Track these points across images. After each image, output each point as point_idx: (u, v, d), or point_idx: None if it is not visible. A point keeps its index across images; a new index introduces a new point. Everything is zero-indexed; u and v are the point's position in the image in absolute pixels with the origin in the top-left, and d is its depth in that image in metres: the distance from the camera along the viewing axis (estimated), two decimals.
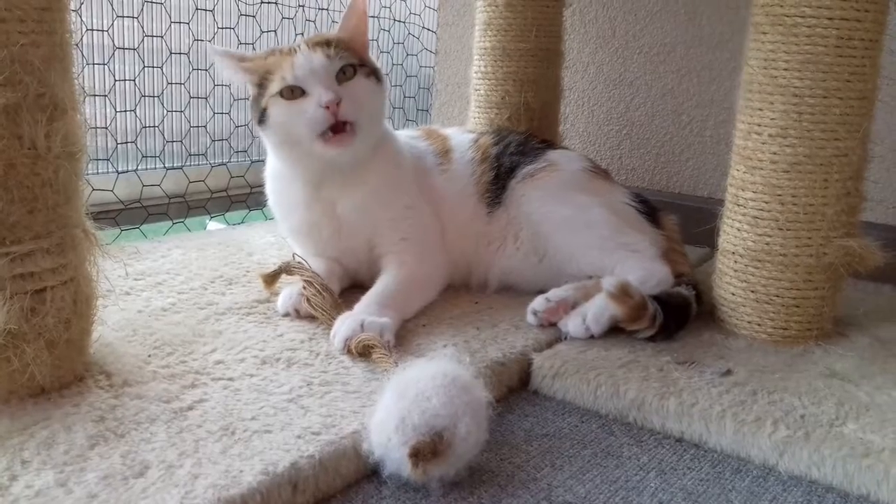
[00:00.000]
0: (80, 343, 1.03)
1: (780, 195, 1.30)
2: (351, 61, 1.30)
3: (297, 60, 1.27)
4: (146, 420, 0.93)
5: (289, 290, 1.32)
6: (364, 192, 1.38)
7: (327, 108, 1.25)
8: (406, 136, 1.55)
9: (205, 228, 2.16)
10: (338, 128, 1.27)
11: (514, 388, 1.18)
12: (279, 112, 1.29)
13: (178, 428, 0.92)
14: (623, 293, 1.25)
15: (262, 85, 1.31)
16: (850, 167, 1.29)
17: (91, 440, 0.88)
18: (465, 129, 1.68)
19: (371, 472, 0.92)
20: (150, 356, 1.11)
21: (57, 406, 0.96)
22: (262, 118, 1.32)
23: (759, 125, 1.30)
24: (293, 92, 1.27)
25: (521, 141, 1.57)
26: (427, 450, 0.85)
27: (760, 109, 1.30)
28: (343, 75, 1.29)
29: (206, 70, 2.05)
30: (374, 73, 1.34)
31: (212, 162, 2.11)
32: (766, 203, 1.31)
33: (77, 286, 1.00)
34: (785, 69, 1.27)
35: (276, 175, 1.43)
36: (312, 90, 1.27)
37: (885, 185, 1.81)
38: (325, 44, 1.30)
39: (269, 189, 1.45)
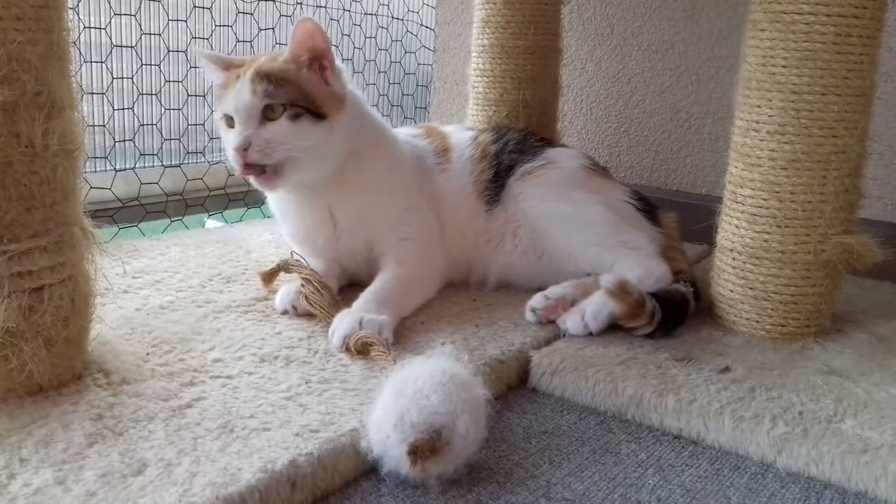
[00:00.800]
0: (79, 341, 1.03)
1: (778, 192, 1.30)
2: (280, 100, 1.25)
3: (233, 93, 1.26)
4: (144, 418, 0.93)
5: (287, 288, 1.32)
6: (360, 197, 1.37)
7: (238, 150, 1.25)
8: (406, 134, 1.55)
9: (203, 226, 2.16)
10: (258, 169, 1.26)
11: (513, 385, 1.18)
12: (222, 135, 1.32)
13: (176, 426, 0.92)
14: (621, 290, 1.25)
15: (219, 96, 1.32)
16: (849, 164, 1.29)
17: (89, 438, 0.88)
18: (465, 127, 1.68)
19: (370, 470, 0.92)
20: (148, 354, 1.11)
21: (55, 404, 0.95)
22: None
23: (758, 122, 1.30)
24: (229, 120, 1.28)
25: (520, 139, 1.57)
26: (426, 447, 0.85)
27: (759, 106, 1.30)
28: (271, 112, 1.25)
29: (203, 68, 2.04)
30: (308, 112, 1.26)
31: (210, 160, 2.11)
32: (765, 200, 1.31)
33: (75, 284, 1.00)
34: (783, 66, 1.27)
35: None
36: (237, 126, 1.26)
37: (884, 182, 1.81)
38: (260, 77, 1.25)
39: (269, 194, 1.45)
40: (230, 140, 1.26)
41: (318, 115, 1.28)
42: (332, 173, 1.34)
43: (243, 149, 1.23)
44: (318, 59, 1.29)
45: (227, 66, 1.33)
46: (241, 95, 1.25)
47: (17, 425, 0.90)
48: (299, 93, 1.27)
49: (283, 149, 1.25)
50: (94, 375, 1.03)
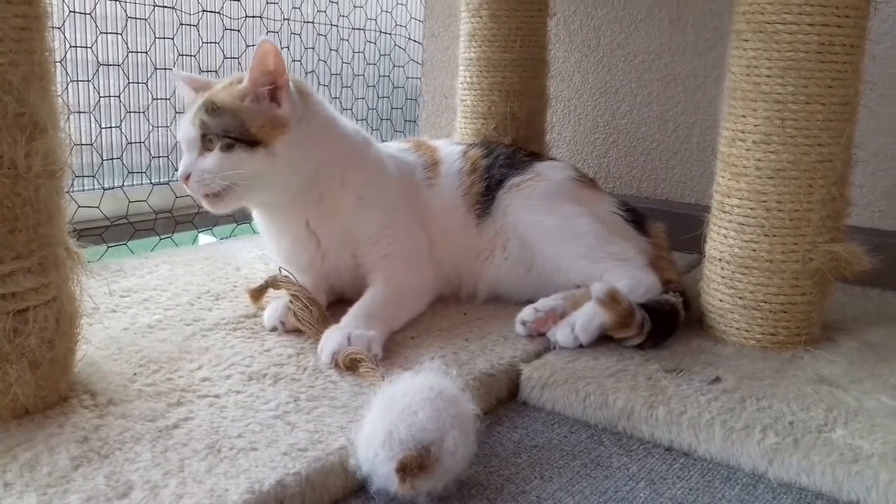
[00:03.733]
0: (64, 363, 1.02)
1: (765, 201, 1.30)
2: (214, 130, 1.26)
3: (181, 123, 1.31)
4: (131, 440, 0.92)
5: (275, 304, 1.31)
6: (340, 215, 1.37)
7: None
8: (395, 148, 1.55)
9: (194, 242, 2.15)
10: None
11: (503, 399, 1.18)
12: None
13: (163, 447, 0.91)
14: (611, 299, 1.25)
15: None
16: (835, 172, 1.30)
17: (75, 461, 0.87)
18: (454, 141, 1.68)
19: (358, 488, 0.91)
20: (135, 374, 1.10)
21: (41, 427, 0.95)
22: None
23: (743, 132, 1.31)
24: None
25: (510, 153, 1.57)
26: (414, 464, 0.85)
27: (744, 116, 1.30)
28: (209, 142, 1.27)
29: None
30: (240, 141, 1.26)
31: None
32: (752, 209, 1.31)
33: (60, 305, 0.99)
34: (767, 76, 1.27)
35: None
36: (183, 153, 1.31)
37: (870, 190, 1.82)
38: (204, 107, 1.28)
39: (254, 212, 1.45)
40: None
41: (252, 143, 1.28)
42: (292, 193, 1.34)
43: (185, 178, 1.28)
44: (273, 81, 1.29)
45: (197, 89, 1.36)
46: (184, 125, 1.30)
47: (1, 448, 0.89)
48: (234, 122, 1.27)
49: (219, 178, 1.27)
50: (81, 397, 1.03)
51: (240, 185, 1.28)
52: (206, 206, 1.31)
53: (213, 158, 1.27)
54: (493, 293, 1.51)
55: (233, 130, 1.27)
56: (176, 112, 2.02)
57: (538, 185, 1.49)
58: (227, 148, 1.27)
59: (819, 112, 1.26)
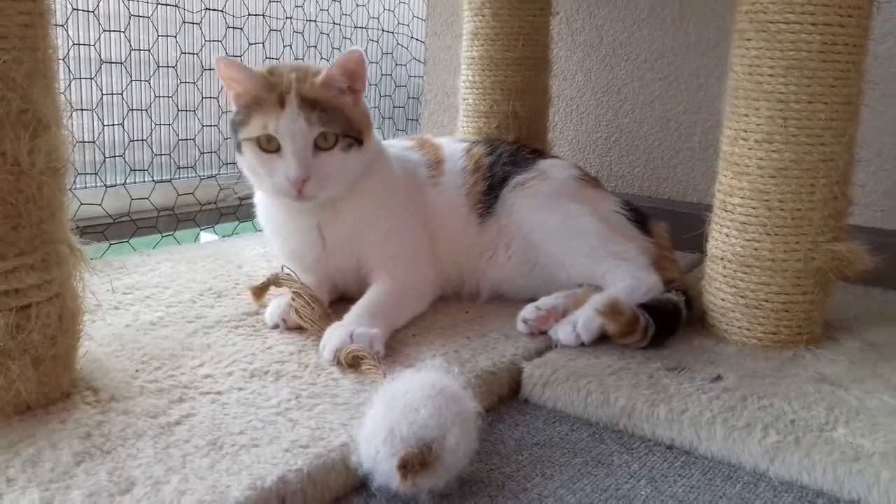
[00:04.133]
0: (67, 359, 1.02)
1: (767, 200, 1.30)
2: (332, 129, 1.25)
3: (283, 119, 1.23)
4: (133, 436, 0.93)
5: (277, 302, 1.31)
6: (350, 218, 1.36)
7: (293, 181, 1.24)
8: (399, 147, 1.54)
9: (196, 240, 2.16)
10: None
11: (505, 397, 1.18)
12: (252, 157, 1.27)
13: (165, 443, 0.91)
14: (613, 311, 1.25)
15: (247, 109, 1.28)
16: (837, 171, 1.29)
17: (77, 457, 0.87)
18: (457, 139, 1.68)
19: (360, 485, 0.91)
20: (137, 371, 1.11)
21: (43, 423, 0.95)
22: (238, 147, 1.30)
23: (746, 131, 1.31)
24: (269, 142, 1.25)
25: (513, 151, 1.57)
26: (416, 461, 0.85)
27: (746, 115, 1.30)
28: (324, 140, 1.26)
29: (193, 83, 2.05)
30: (355, 140, 1.29)
31: (200, 174, 2.11)
32: (754, 208, 1.31)
33: (63, 302, 1.00)
34: (770, 75, 1.27)
35: (264, 197, 1.41)
36: (286, 152, 1.24)
37: (873, 189, 1.82)
38: (312, 105, 1.24)
39: (258, 208, 1.44)
40: (280, 167, 1.24)
41: (360, 141, 1.30)
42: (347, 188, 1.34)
43: (302, 181, 1.23)
44: (359, 88, 1.31)
45: (258, 79, 1.27)
46: (296, 123, 1.23)
47: (4, 444, 0.89)
48: (347, 121, 1.28)
49: (336, 176, 1.27)
50: (83, 393, 1.03)
51: (343, 181, 1.29)
52: (298, 198, 1.26)
53: (335, 159, 1.26)
54: (495, 292, 1.51)
55: (350, 129, 1.28)
56: (179, 110, 2.02)
57: (543, 184, 1.49)
58: (347, 147, 1.28)
59: (821, 111, 1.26)
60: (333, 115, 1.26)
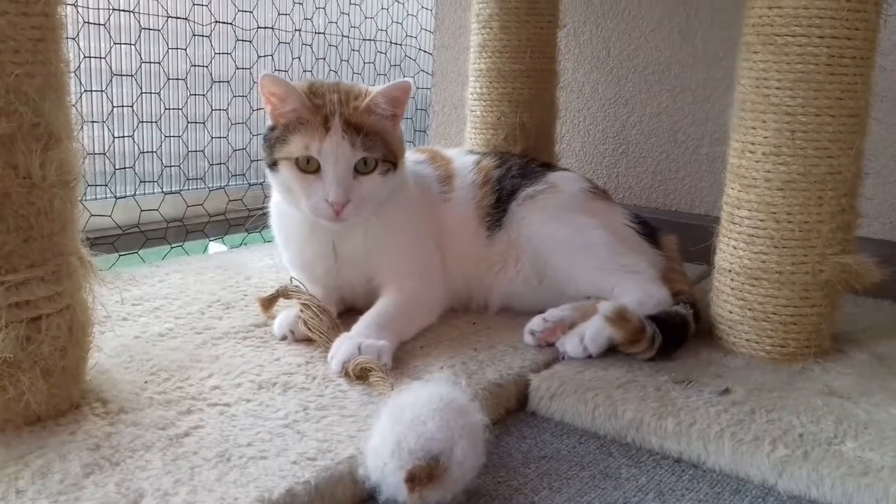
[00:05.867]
0: (76, 370, 1.03)
1: (774, 213, 1.30)
2: (374, 154, 1.26)
3: (327, 143, 1.23)
4: (142, 447, 0.93)
5: (286, 313, 1.32)
6: (365, 233, 1.36)
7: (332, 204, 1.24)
8: (412, 160, 1.52)
9: (205, 251, 2.16)
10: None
11: (512, 409, 1.18)
12: (289, 176, 1.27)
13: (173, 455, 0.92)
14: (620, 318, 1.25)
15: (286, 128, 1.27)
16: (844, 184, 1.29)
17: (86, 469, 0.88)
18: (468, 151, 1.68)
19: (367, 498, 0.91)
20: (146, 382, 1.11)
21: (52, 434, 0.95)
22: (273, 163, 1.30)
23: (753, 143, 1.31)
24: (309, 163, 1.25)
25: (523, 164, 1.57)
26: (423, 474, 0.85)
27: (753, 128, 1.30)
28: (364, 165, 1.26)
29: (203, 95, 2.06)
30: (392, 165, 1.30)
31: (210, 186, 2.12)
32: (762, 221, 1.31)
33: (73, 314, 1.00)
34: (777, 88, 1.27)
35: (280, 207, 1.41)
36: (326, 175, 1.24)
37: (881, 202, 1.82)
38: (356, 129, 1.25)
39: (273, 217, 1.45)
40: (320, 188, 1.24)
41: (396, 165, 1.32)
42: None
43: (342, 205, 1.24)
44: (399, 115, 1.33)
45: (302, 99, 1.26)
46: (340, 147, 1.23)
47: (14, 456, 0.90)
48: (387, 146, 1.29)
49: (374, 200, 1.29)
50: (92, 405, 1.03)
51: (378, 203, 1.31)
52: (333, 221, 1.27)
53: (374, 183, 1.28)
54: (504, 305, 1.50)
55: (389, 155, 1.29)
56: (188, 122, 2.04)
57: (552, 196, 1.49)
58: (385, 172, 1.29)
59: (829, 124, 1.26)
60: (375, 141, 1.27)
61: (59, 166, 0.95)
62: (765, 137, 1.29)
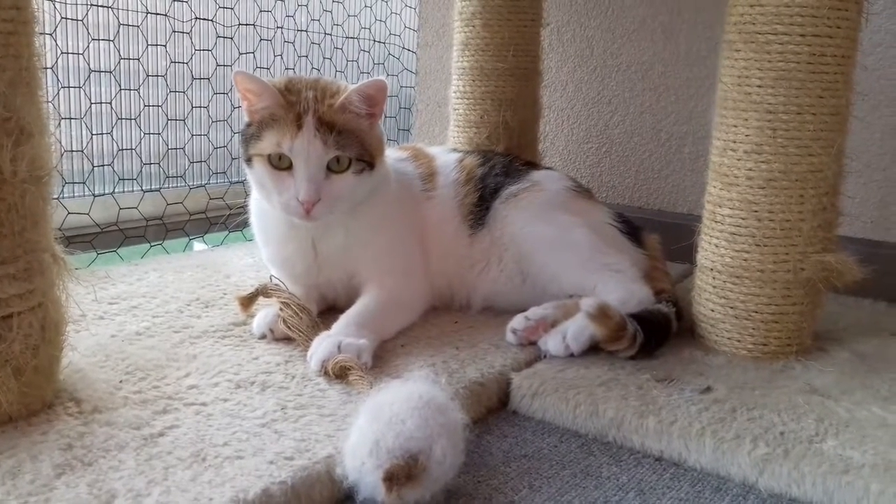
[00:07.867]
0: (49, 369, 1.01)
1: (756, 211, 1.30)
2: (347, 153, 1.25)
3: (299, 140, 1.22)
4: (115, 447, 0.91)
5: (265, 312, 1.30)
6: (345, 232, 1.35)
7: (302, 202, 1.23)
8: (394, 158, 1.51)
9: (184, 249, 2.14)
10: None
11: (493, 408, 1.17)
12: (262, 172, 1.26)
13: (147, 455, 0.90)
14: (602, 314, 1.24)
15: (260, 125, 1.26)
16: (826, 183, 1.30)
17: (57, 469, 0.86)
18: (451, 148, 1.67)
19: (345, 498, 0.90)
20: (121, 382, 1.09)
21: (24, 434, 0.93)
22: (248, 159, 1.29)
23: (735, 142, 1.31)
24: (281, 160, 1.24)
25: (506, 162, 1.56)
26: (401, 473, 0.84)
27: (735, 126, 1.30)
28: (337, 164, 1.25)
29: (183, 92, 2.04)
30: (367, 164, 1.28)
31: (190, 184, 2.10)
32: (743, 219, 1.31)
33: (45, 312, 0.98)
34: (758, 86, 1.27)
35: (259, 204, 1.40)
36: (298, 173, 1.23)
37: (862, 200, 1.82)
38: (329, 127, 1.23)
39: (252, 216, 1.43)
40: (291, 186, 1.23)
41: (372, 165, 1.30)
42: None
43: (312, 203, 1.23)
44: (377, 114, 1.30)
45: (276, 95, 1.25)
46: (311, 145, 1.22)
47: None
48: (362, 145, 1.27)
49: (346, 198, 1.27)
50: (66, 404, 1.01)
51: (352, 202, 1.29)
52: (305, 219, 1.25)
53: (346, 183, 1.26)
54: (487, 304, 1.50)
55: (364, 154, 1.27)
56: (168, 119, 2.01)
57: (535, 195, 1.48)
58: (360, 172, 1.27)
59: (810, 122, 1.26)
60: (349, 139, 1.25)
61: (30, 161, 0.93)
62: (746, 135, 1.29)
